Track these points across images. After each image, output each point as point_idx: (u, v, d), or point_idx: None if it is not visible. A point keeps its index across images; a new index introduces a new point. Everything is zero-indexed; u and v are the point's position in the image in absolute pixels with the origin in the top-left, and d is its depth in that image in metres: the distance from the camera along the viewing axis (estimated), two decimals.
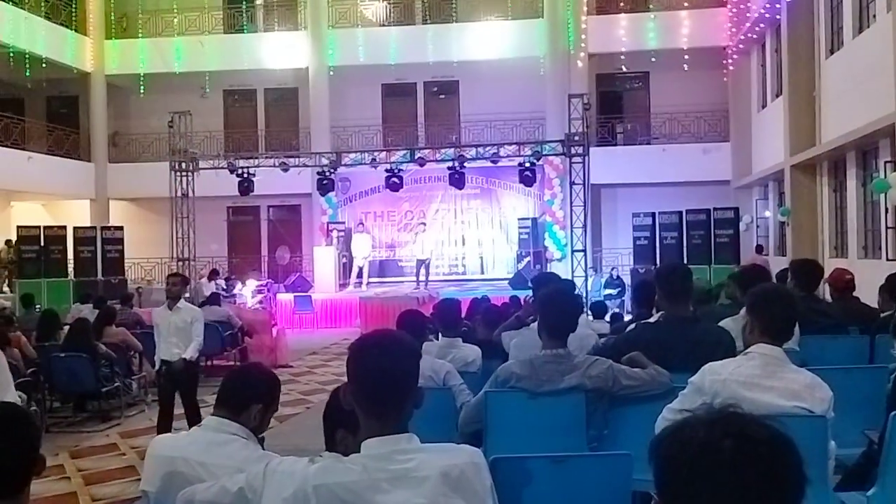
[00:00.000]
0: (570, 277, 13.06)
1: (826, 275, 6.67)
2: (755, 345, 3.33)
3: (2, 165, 20.30)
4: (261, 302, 19.64)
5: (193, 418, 7.44)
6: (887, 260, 13.20)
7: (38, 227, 19.87)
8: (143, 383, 10.45)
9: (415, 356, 2.15)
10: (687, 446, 1.28)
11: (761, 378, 3.26)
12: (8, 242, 21.01)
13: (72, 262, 19.85)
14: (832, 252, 16.27)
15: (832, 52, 16.18)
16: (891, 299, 6.15)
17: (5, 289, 21.03)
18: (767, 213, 21.70)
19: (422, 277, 20.07)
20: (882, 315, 5.87)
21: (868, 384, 4.48)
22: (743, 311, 4.86)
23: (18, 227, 20.24)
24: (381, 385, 2.05)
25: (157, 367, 7.90)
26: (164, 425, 7.56)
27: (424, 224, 21.30)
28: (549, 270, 17.54)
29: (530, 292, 7.38)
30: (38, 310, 13.13)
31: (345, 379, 2.15)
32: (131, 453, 7.95)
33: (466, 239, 23.76)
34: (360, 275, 20.88)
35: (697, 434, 1.29)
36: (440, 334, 5.57)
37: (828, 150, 15.81)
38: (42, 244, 19.36)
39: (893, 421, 3.37)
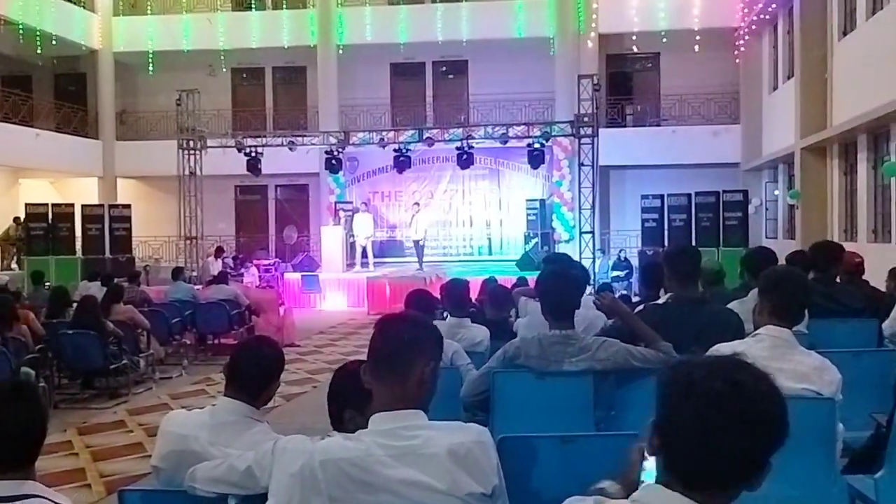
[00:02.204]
0: (578, 259, 13.04)
1: None
2: (764, 326, 3.32)
3: (10, 142, 20.35)
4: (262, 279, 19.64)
5: None
6: None
7: (46, 205, 19.88)
8: (150, 361, 10.49)
9: (431, 330, 2.24)
10: (684, 382, 1.49)
11: (769, 360, 3.24)
12: (16, 220, 21.05)
13: (79, 239, 19.87)
14: (841, 235, 16.20)
15: (845, 34, 16.04)
16: None
17: (13, 266, 21.11)
18: (777, 195, 21.62)
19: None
20: (891, 298, 5.85)
21: (876, 367, 4.47)
22: (751, 293, 4.87)
23: (26, 204, 20.25)
24: (395, 347, 2.13)
25: None
26: None
27: (418, 204, 21.15)
28: (557, 252, 17.47)
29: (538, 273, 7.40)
30: (47, 287, 13.17)
31: (351, 358, 2.19)
32: (139, 430, 7.98)
33: (474, 219, 23.77)
34: (364, 255, 20.84)
35: (696, 373, 1.49)
36: (448, 314, 5.56)
37: (839, 133, 15.72)
38: (50, 221, 19.36)
39: None
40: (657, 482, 1.54)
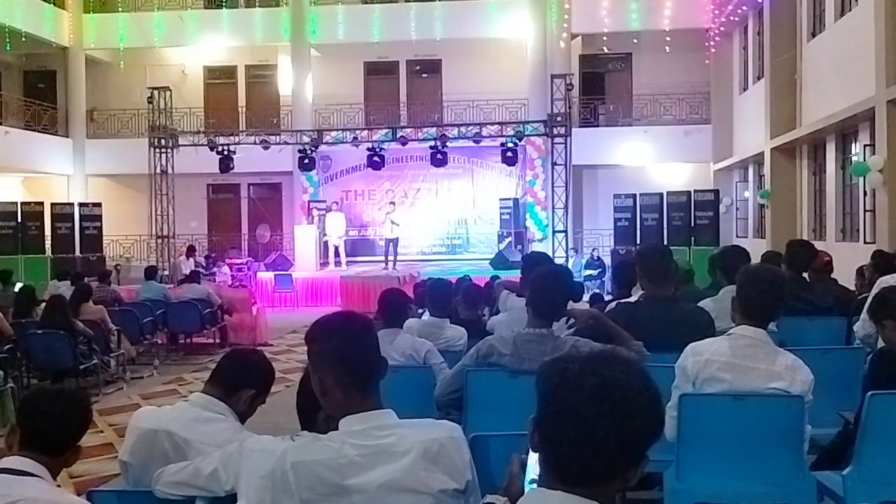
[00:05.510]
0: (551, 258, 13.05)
1: None
2: (738, 326, 3.34)
3: None
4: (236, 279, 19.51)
5: None
6: (865, 243, 13.33)
7: (15, 203, 19.63)
8: (121, 361, 10.40)
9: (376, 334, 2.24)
10: (560, 376, 1.52)
11: (742, 359, 3.28)
12: None
13: (49, 238, 19.64)
14: (810, 235, 16.39)
15: (814, 36, 16.22)
16: (876, 272, 6.22)
17: None
18: (747, 195, 21.82)
19: (390, 257, 19.56)
20: (859, 297, 5.92)
21: (844, 365, 4.51)
22: (722, 291, 4.91)
23: None
24: (365, 363, 2.10)
25: None
26: None
27: (394, 203, 20.99)
28: (538, 250, 17.49)
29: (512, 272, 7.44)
30: (15, 287, 12.97)
31: None
32: (109, 431, 7.91)
33: (448, 218, 23.75)
34: (337, 254, 20.74)
35: (572, 368, 1.51)
36: (429, 313, 5.56)
37: (808, 133, 15.89)
38: (19, 220, 19.12)
39: (870, 401, 3.40)
40: (540, 485, 1.56)
